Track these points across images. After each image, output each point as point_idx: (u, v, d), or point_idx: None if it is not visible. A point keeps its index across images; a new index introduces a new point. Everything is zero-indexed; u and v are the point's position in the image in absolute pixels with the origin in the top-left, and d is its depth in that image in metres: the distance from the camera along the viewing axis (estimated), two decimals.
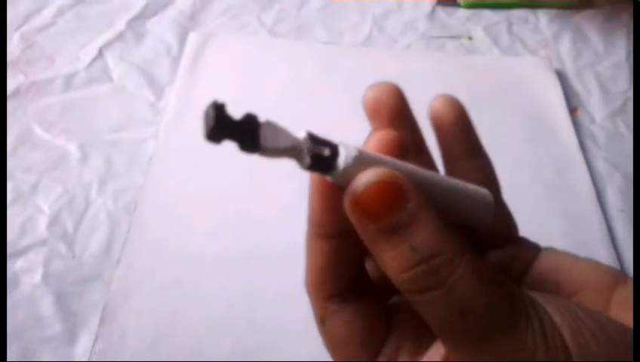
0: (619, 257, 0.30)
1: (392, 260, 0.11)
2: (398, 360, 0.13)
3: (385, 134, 0.13)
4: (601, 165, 0.35)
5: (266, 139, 0.11)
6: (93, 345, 0.26)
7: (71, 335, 0.26)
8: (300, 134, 0.11)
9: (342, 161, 0.11)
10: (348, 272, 0.14)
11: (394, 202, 0.11)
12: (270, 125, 0.11)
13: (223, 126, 0.10)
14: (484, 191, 0.14)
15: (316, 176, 0.13)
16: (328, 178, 0.12)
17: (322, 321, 0.14)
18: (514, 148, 0.35)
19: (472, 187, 0.14)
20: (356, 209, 0.11)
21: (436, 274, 0.11)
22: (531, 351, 0.11)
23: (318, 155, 0.11)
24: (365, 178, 0.11)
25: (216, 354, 0.26)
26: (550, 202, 0.33)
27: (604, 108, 0.39)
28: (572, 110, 0.39)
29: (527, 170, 0.34)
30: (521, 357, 0.11)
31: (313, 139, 0.11)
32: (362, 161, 0.12)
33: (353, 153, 0.11)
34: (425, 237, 0.11)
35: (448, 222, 0.12)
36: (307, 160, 0.11)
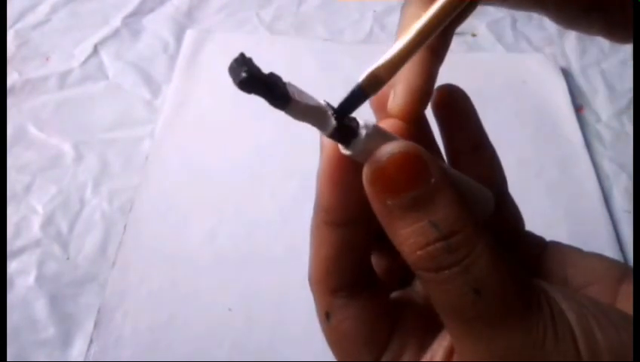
0: (625, 258, 0.30)
1: (408, 236, 0.11)
2: (404, 360, 0.13)
3: (391, 121, 0.13)
4: (607, 165, 0.35)
5: (295, 95, 0.10)
6: (88, 349, 0.25)
7: (65, 339, 0.26)
8: (320, 101, 0.11)
9: (364, 128, 0.11)
10: (354, 264, 0.13)
11: (417, 175, 0.11)
12: (294, 86, 0.11)
13: (255, 75, 0.10)
14: (485, 188, 0.14)
15: (328, 154, 0.12)
16: (346, 151, 0.12)
17: (327, 316, 0.13)
18: (519, 147, 0.35)
19: (473, 181, 0.14)
20: (376, 180, 0.11)
21: (454, 252, 0.11)
22: (541, 338, 0.11)
23: (343, 120, 0.11)
24: (389, 148, 0.11)
25: (214, 358, 0.26)
26: (555, 202, 0.32)
27: (610, 107, 0.38)
28: (577, 108, 0.38)
29: (532, 170, 0.34)
30: (530, 344, 0.11)
31: (332, 106, 0.11)
32: (382, 133, 0.11)
33: (373, 123, 0.11)
34: (446, 213, 0.11)
35: (466, 202, 0.11)
36: (333, 123, 0.11)
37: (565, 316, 0.11)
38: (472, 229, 0.11)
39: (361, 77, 0.11)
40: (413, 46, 0.11)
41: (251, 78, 0.10)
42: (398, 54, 0.11)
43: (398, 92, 0.13)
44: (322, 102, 0.11)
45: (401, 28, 0.14)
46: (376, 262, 0.15)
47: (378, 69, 0.11)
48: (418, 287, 0.15)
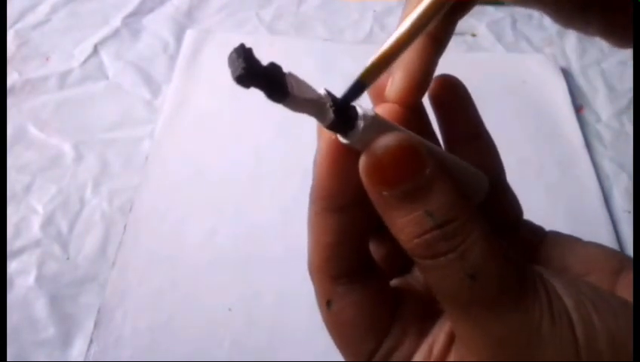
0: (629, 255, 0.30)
1: (405, 226, 0.11)
2: (406, 344, 0.13)
3: (388, 106, 0.13)
4: (607, 165, 0.35)
5: (293, 88, 0.10)
6: (88, 349, 0.25)
7: (65, 339, 0.26)
8: (320, 91, 0.11)
9: (362, 119, 0.11)
10: (354, 251, 0.13)
11: (412, 167, 0.11)
12: (294, 76, 0.11)
13: (253, 69, 0.10)
14: (479, 171, 0.14)
15: (326, 140, 0.12)
16: (344, 140, 0.12)
17: (328, 304, 0.13)
18: (519, 147, 0.35)
19: (468, 165, 0.14)
20: (373, 173, 0.11)
21: (450, 239, 0.11)
22: (537, 321, 0.11)
23: (341, 112, 0.11)
24: (385, 141, 0.11)
25: (214, 358, 0.26)
26: (555, 202, 0.32)
27: (610, 107, 0.38)
28: (577, 108, 0.38)
29: (532, 170, 0.34)
30: (527, 326, 0.11)
31: (331, 95, 0.11)
32: (379, 123, 0.12)
33: (371, 113, 0.11)
34: (441, 203, 0.11)
35: (461, 190, 0.11)
36: (330, 115, 0.11)
37: (562, 300, 0.11)
38: (467, 216, 0.11)
39: (360, 71, 0.12)
40: (407, 38, 0.12)
41: (249, 73, 0.10)
42: (395, 45, 0.12)
43: (396, 79, 0.14)
44: (322, 90, 0.11)
45: (403, 16, 0.14)
46: (375, 249, 0.15)
47: (376, 61, 0.12)
48: (417, 274, 0.15)
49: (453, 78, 0.15)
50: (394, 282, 0.15)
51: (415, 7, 0.13)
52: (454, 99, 0.15)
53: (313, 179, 0.13)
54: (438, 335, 0.13)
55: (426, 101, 0.15)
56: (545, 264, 0.14)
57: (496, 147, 0.16)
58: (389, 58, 0.12)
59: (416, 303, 0.14)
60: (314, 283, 0.14)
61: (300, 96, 0.10)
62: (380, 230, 0.13)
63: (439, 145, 0.15)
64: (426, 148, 0.11)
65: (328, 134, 0.12)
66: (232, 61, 0.10)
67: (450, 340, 0.13)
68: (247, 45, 0.10)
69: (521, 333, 0.11)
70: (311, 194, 0.13)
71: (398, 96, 0.13)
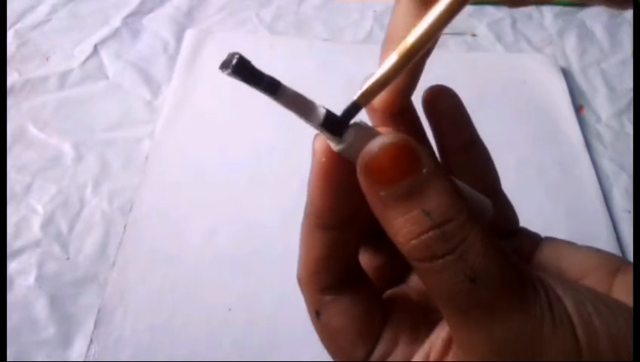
0: (625, 258, 0.30)
1: (402, 226, 0.11)
2: (397, 351, 0.13)
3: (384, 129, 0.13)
4: (607, 165, 0.35)
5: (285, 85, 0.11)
6: (88, 349, 0.25)
7: (65, 339, 0.26)
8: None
9: (353, 121, 0.11)
10: (343, 264, 0.14)
11: (409, 165, 0.11)
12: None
13: (247, 63, 0.11)
14: (483, 196, 0.14)
15: (319, 160, 0.13)
16: (338, 146, 0.12)
17: (317, 314, 0.14)
18: (519, 147, 0.35)
19: (472, 190, 0.14)
20: (369, 172, 0.11)
21: (448, 240, 0.11)
22: (539, 323, 0.11)
23: (332, 113, 0.11)
24: (381, 140, 0.11)
25: (214, 358, 0.26)
26: (555, 202, 0.32)
27: (610, 107, 0.38)
28: (577, 108, 0.38)
29: (532, 169, 0.34)
30: (529, 328, 0.11)
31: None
32: (370, 127, 0.12)
33: (361, 120, 0.12)
34: (439, 202, 0.11)
35: (459, 190, 0.11)
36: (322, 111, 0.11)
37: (562, 302, 0.11)
38: (465, 216, 0.11)
39: (356, 94, 0.12)
40: (402, 64, 0.11)
41: (243, 63, 0.10)
42: (392, 69, 0.12)
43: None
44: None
45: (391, 30, 0.14)
46: (370, 260, 0.15)
47: (371, 87, 0.12)
48: (412, 283, 0.15)
49: (446, 88, 0.15)
50: (389, 292, 0.15)
51: (405, 9, 0.13)
52: (448, 109, 0.15)
53: (307, 196, 0.13)
54: (434, 343, 0.13)
55: (420, 112, 0.15)
56: (541, 269, 0.14)
57: (491, 157, 0.16)
58: (386, 82, 0.12)
59: (410, 311, 0.14)
60: (303, 294, 0.14)
61: (291, 89, 0.11)
62: (375, 241, 0.13)
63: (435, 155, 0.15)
64: (422, 148, 0.12)
65: (321, 153, 0.12)
66: (224, 63, 0.10)
67: (448, 346, 0.13)
68: (247, 53, 0.10)
69: (523, 336, 0.11)
70: (305, 210, 0.13)
71: (382, 102, 0.14)
